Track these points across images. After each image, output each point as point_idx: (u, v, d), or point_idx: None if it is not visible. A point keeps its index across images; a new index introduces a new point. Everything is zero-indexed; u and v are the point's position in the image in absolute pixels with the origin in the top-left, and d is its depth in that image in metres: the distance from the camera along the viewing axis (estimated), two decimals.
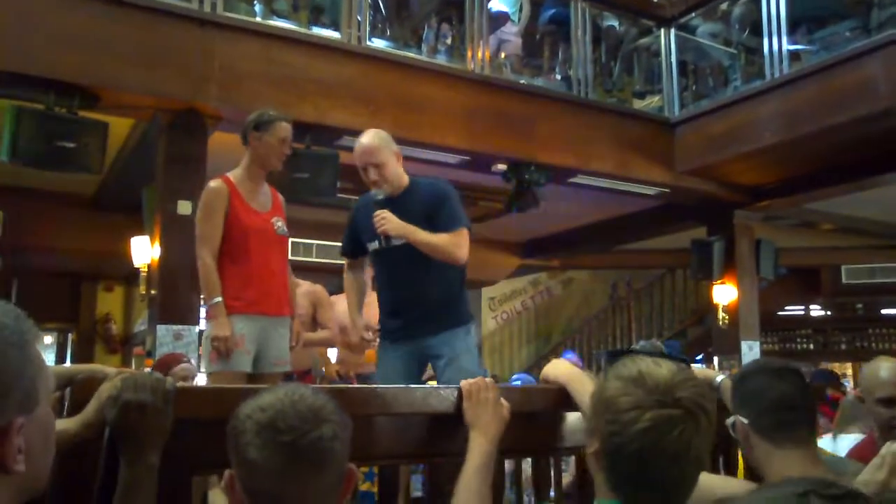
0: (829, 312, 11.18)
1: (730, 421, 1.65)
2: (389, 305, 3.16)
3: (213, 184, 3.22)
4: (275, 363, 3.26)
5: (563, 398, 1.82)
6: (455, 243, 2.99)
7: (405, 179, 3.11)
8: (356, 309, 3.30)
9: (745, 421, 1.60)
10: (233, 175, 3.26)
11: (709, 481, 1.59)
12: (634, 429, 1.13)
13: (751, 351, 7.26)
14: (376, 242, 3.05)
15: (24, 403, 0.84)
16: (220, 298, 3.10)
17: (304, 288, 4.41)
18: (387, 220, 2.94)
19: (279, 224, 3.30)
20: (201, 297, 6.07)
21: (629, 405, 1.15)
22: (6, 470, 0.81)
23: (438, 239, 2.98)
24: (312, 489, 1.11)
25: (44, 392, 0.88)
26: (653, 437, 1.12)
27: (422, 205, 3.03)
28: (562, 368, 1.89)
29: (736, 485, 1.64)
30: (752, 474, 2.09)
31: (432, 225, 2.99)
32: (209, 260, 3.13)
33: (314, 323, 4.48)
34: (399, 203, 3.01)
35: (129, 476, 1.29)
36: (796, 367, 1.69)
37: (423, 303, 3.06)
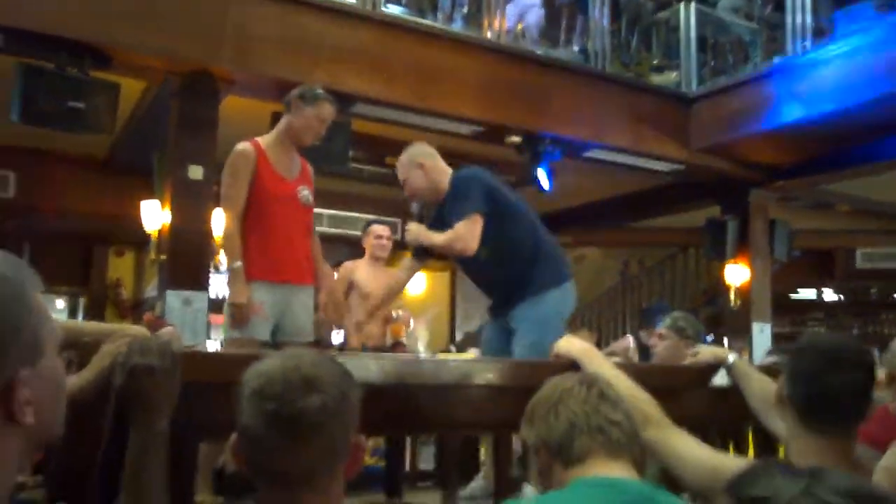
0: (841, 297, 11.07)
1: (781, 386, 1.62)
2: (481, 292, 3.35)
3: (241, 146, 3.14)
4: (295, 334, 3.21)
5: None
6: (455, 236, 3.02)
7: (445, 184, 3.17)
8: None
9: (786, 392, 1.58)
10: (263, 139, 3.20)
11: (723, 462, 1.57)
12: None
13: (761, 333, 7.21)
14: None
15: (27, 355, 0.82)
16: (239, 263, 3.04)
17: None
18: (407, 232, 3.15)
19: (305, 193, 3.25)
20: (215, 260, 6.11)
21: None
22: (16, 422, 0.80)
23: (441, 238, 3.06)
24: (300, 460, 1.08)
25: (49, 342, 0.86)
26: None
27: (448, 207, 3.13)
28: (575, 344, 1.86)
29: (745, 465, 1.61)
30: (763, 454, 2.07)
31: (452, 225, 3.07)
32: (232, 223, 3.07)
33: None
34: (443, 207, 3.16)
35: (139, 442, 1.27)
36: (861, 356, 1.59)
37: (493, 288, 3.25)
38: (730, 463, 1.57)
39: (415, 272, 3.43)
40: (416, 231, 3.12)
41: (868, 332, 10.45)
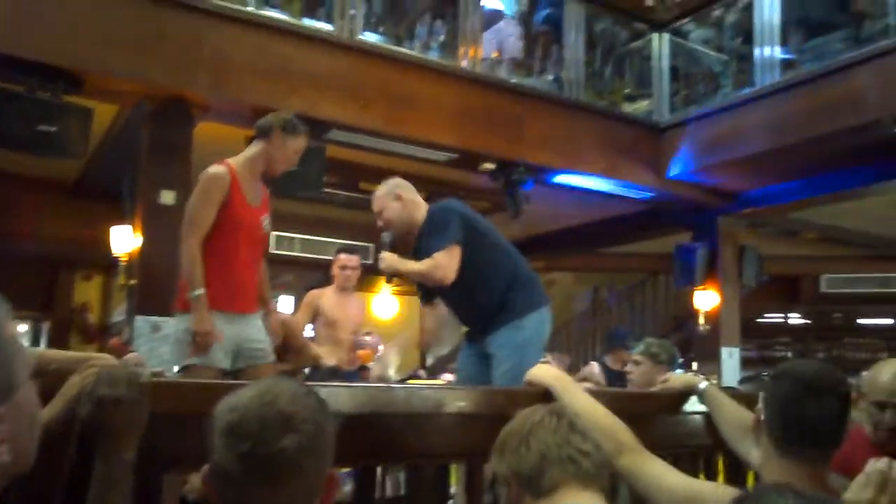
0: (808, 321, 11.25)
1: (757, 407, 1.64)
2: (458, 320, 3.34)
3: (216, 169, 3.05)
4: (258, 358, 3.16)
5: (546, 401, 1.79)
6: (433, 265, 3.02)
7: (421, 218, 3.18)
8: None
9: (763, 417, 1.59)
10: (235, 163, 3.11)
11: (699, 489, 1.58)
12: None
13: (730, 358, 7.29)
14: None
15: (2, 392, 0.80)
16: (202, 290, 2.96)
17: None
18: (381, 261, 3.11)
19: (266, 222, 3.21)
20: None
21: None
22: None
23: (419, 266, 3.07)
24: (275, 499, 1.06)
25: (22, 374, 0.83)
26: None
27: (423, 239, 3.14)
28: (547, 371, 1.87)
29: (722, 492, 1.62)
30: (733, 480, 2.09)
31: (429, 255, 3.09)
32: (196, 248, 2.98)
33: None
34: (418, 239, 3.17)
35: (104, 472, 1.25)
36: (838, 384, 1.61)
37: (471, 317, 3.24)
38: (706, 489, 1.58)
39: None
40: (390, 260, 3.10)
41: (832, 356, 10.61)
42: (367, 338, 4.60)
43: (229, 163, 3.10)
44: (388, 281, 3.21)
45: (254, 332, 3.18)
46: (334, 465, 1.14)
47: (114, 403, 1.26)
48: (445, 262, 3.00)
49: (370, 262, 8.66)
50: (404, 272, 3.11)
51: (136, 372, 1.32)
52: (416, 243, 3.20)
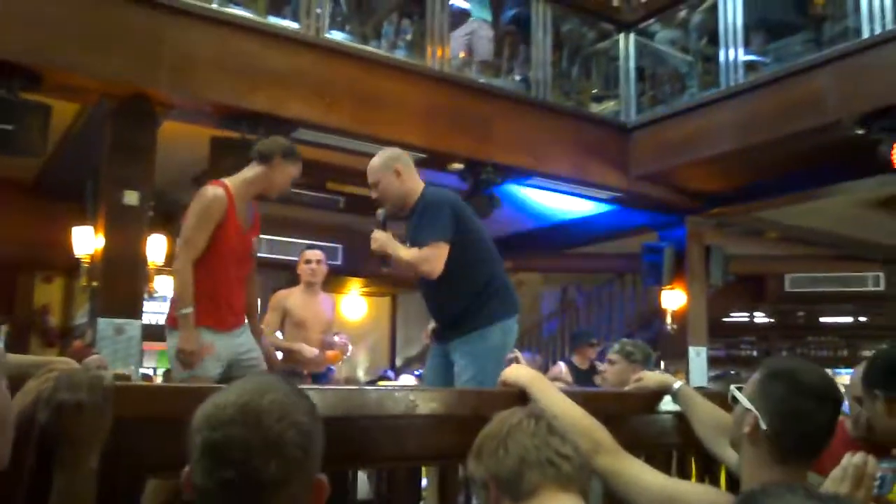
0: (772, 320, 11.41)
1: (746, 412, 1.55)
2: (429, 313, 3.28)
3: (214, 192, 3.07)
4: (251, 366, 3.19)
5: (521, 402, 1.77)
6: (422, 258, 2.99)
7: (415, 195, 3.12)
8: None
9: (764, 427, 1.51)
10: (232, 184, 3.13)
11: (679, 489, 1.56)
12: None
13: (698, 357, 7.36)
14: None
15: None
16: (190, 309, 2.99)
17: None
18: (373, 240, 3.07)
19: (256, 246, 3.28)
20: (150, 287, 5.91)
21: None
22: None
23: (408, 255, 3.03)
24: None
25: None
26: None
27: (415, 220, 3.10)
28: (522, 372, 1.85)
29: (703, 492, 1.60)
30: (704, 479, 2.08)
31: (418, 241, 3.05)
32: (189, 268, 3.01)
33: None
34: (410, 218, 3.12)
35: (65, 482, 1.18)
36: (836, 390, 1.57)
37: (442, 311, 3.19)
38: (686, 489, 1.56)
39: None
40: (383, 240, 3.05)
41: (796, 354, 10.78)
42: (336, 338, 4.53)
43: (226, 184, 3.11)
44: (382, 264, 3.12)
45: (245, 342, 3.23)
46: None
47: (74, 409, 1.20)
48: (433, 258, 2.98)
49: (338, 262, 8.62)
50: (393, 256, 3.04)
51: (97, 375, 1.26)
52: (407, 219, 3.15)
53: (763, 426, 1.51)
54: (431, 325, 3.32)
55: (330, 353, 4.46)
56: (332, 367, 4.69)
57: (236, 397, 1.04)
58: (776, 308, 11.23)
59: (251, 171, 3.18)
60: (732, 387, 1.64)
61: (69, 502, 1.17)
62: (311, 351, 4.28)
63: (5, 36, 4.20)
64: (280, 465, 1.00)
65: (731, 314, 11.36)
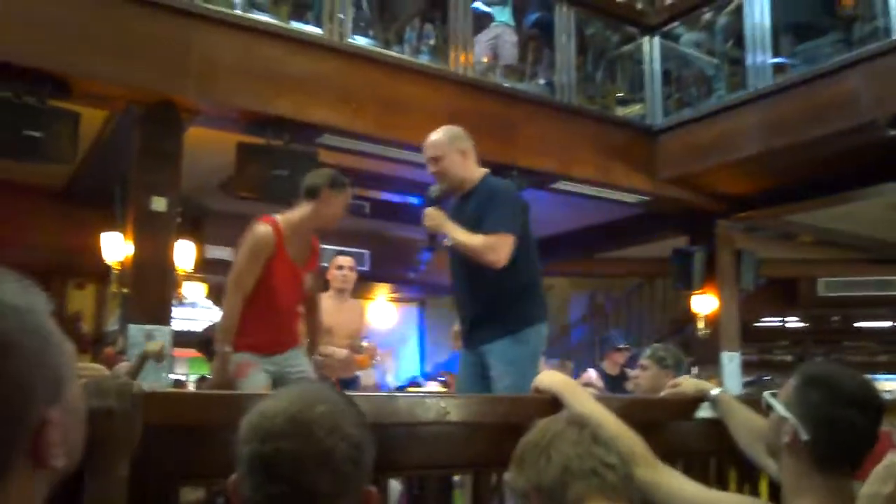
0: (806, 324, 11.23)
1: (787, 422, 1.48)
2: (457, 309, 3.19)
3: (263, 230, 3.13)
4: (295, 374, 3.25)
5: (554, 409, 1.73)
6: (490, 246, 2.89)
7: (476, 177, 3.07)
8: None
9: (804, 437, 1.44)
10: (284, 221, 3.18)
11: (718, 501, 1.51)
12: None
13: (731, 362, 7.24)
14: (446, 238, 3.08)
15: (53, 391, 0.75)
16: (229, 348, 3.08)
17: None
18: (427, 216, 2.98)
19: (309, 280, 3.32)
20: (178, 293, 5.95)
21: None
22: (43, 465, 0.73)
23: (473, 240, 2.91)
24: None
25: (69, 371, 0.78)
26: None
27: (476, 206, 3.00)
28: (556, 378, 1.80)
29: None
30: (743, 487, 2.02)
31: (480, 227, 2.93)
32: (237, 305, 3.09)
33: None
34: (464, 201, 3.03)
35: (96, 490, 1.17)
36: (878, 396, 1.50)
37: (477, 308, 3.05)
38: (725, 500, 1.51)
39: None
40: (438, 218, 2.96)
41: (832, 360, 10.60)
42: (364, 343, 4.52)
43: (276, 221, 3.16)
44: (429, 243, 3.08)
45: (294, 360, 3.29)
46: None
47: (104, 416, 1.19)
48: (501, 248, 2.89)
49: (365, 268, 8.62)
50: (451, 236, 2.94)
51: (126, 382, 1.25)
52: (460, 204, 3.04)
53: (803, 436, 1.45)
54: (457, 326, 3.27)
55: (359, 357, 4.44)
56: (359, 373, 4.68)
57: (285, 407, 1.01)
58: (809, 312, 11.05)
59: (302, 208, 3.20)
60: (766, 394, 1.57)
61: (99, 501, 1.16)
62: (341, 352, 4.27)
63: (34, 45, 4.24)
64: (331, 480, 0.98)
65: (763, 319, 11.20)
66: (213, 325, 4.23)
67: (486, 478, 1.70)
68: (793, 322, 11.36)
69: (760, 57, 6.03)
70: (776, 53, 6.07)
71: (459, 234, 2.93)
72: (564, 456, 1.28)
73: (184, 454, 1.28)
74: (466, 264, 2.99)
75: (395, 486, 2.71)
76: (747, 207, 7.16)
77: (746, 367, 7.63)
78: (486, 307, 3.02)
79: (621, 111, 7.23)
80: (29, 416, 0.72)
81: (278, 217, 3.18)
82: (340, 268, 4.56)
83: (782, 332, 11.40)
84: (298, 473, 0.97)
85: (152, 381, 4.42)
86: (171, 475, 1.29)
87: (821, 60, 5.76)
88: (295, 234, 3.18)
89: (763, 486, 1.98)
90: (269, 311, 3.16)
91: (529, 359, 2.98)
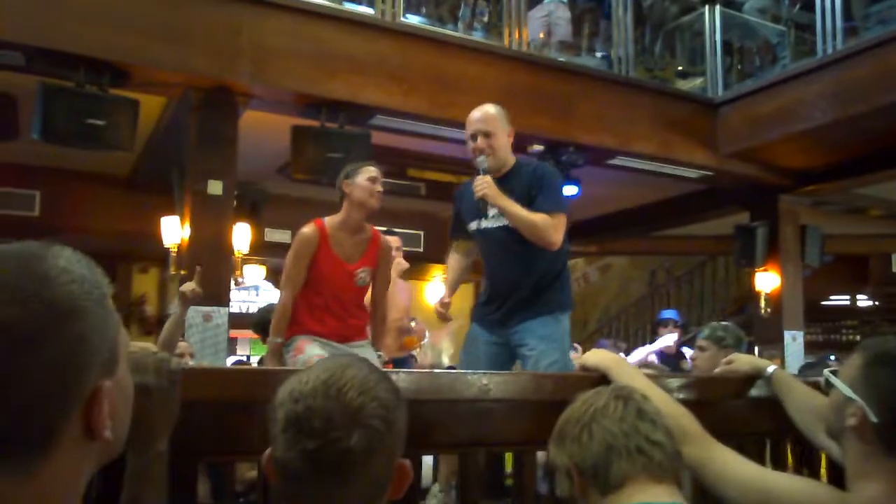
0: (876, 303, 10.80)
1: (852, 404, 1.38)
2: (487, 290, 3.20)
3: (307, 230, 3.30)
4: None
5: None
6: (552, 224, 2.93)
7: (511, 160, 3.11)
8: (449, 286, 3.43)
9: (874, 420, 1.34)
10: (329, 222, 3.32)
11: (775, 482, 1.44)
12: None
13: (794, 341, 7.02)
14: (476, 222, 3.12)
15: (109, 365, 0.76)
16: (280, 339, 3.25)
17: None
18: (483, 184, 2.96)
19: (362, 276, 3.37)
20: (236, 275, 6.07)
21: None
22: (95, 437, 0.74)
23: (535, 217, 2.94)
24: (339, 498, 1.00)
25: (123, 351, 0.81)
26: None
27: (523, 186, 3.01)
28: (604, 356, 1.75)
29: (803, 486, 1.47)
30: (802, 467, 1.94)
31: (532, 206, 2.96)
32: (287, 301, 3.27)
33: None
34: (503, 182, 3.02)
35: (137, 465, 1.18)
36: None
37: (516, 289, 3.07)
38: (782, 482, 1.43)
39: (468, 252, 3.40)
40: (494, 188, 2.94)
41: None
42: (413, 324, 4.52)
43: (322, 222, 3.31)
44: (482, 208, 3.07)
45: (357, 350, 3.32)
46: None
47: (142, 392, 1.19)
48: (561, 228, 2.96)
49: (420, 249, 8.63)
50: (507, 208, 2.95)
51: (164, 358, 1.26)
52: (513, 188, 3.01)
53: (872, 418, 1.34)
54: (445, 298, 3.29)
55: (407, 338, 4.45)
56: (413, 352, 4.68)
57: (318, 374, 1.04)
58: (881, 290, 10.63)
59: (343, 207, 3.32)
60: (826, 372, 1.48)
61: (143, 486, 1.17)
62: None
63: (95, 35, 4.34)
64: (362, 436, 0.98)
65: (832, 297, 10.82)
66: (268, 307, 4.29)
67: (530, 456, 1.67)
68: (863, 300, 10.94)
69: (830, 20, 5.77)
70: (847, 16, 5.80)
71: (517, 209, 2.93)
72: (608, 432, 1.23)
73: (223, 430, 1.29)
74: (505, 245, 3.03)
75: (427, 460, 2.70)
76: (812, 181, 6.90)
77: (812, 347, 7.40)
78: (532, 288, 3.03)
79: (682, 85, 7.03)
80: (86, 382, 0.73)
81: (326, 219, 3.34)
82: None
83: (851, 310, 10.99)
84: (330, 429, 0.98)
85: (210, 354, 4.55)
86: (209, 451, 1.30)
87: (894, 22, 5.48)
88: (341, 232, 3.31)
89: (823, 469, 1.90)
90: (320, 304, 3.31)
91: (567, 339, 3.04)
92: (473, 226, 3.15)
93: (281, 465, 1.01)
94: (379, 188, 3.29)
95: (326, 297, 3.31)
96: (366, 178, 3.26)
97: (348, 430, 0.98)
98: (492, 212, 3.06)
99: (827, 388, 1.49)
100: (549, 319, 2.99)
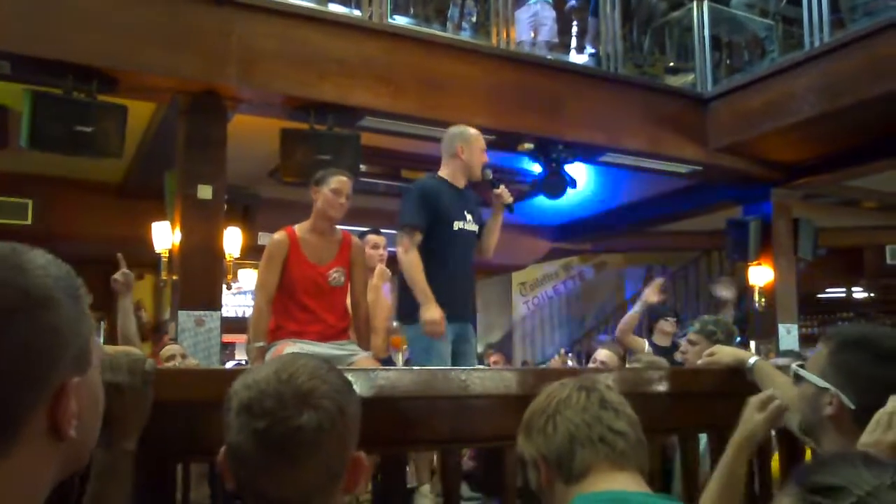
0: (872, 294, 10.80)
1: (826, 393, 1.38)
2: (448, 287, 3.35)
3: (277, 236, 3.44)
4: (344, 360, 3.36)
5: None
6: None
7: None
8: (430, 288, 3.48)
9: (851, 406, 1.34)
10: (299, 227, 3.47)
11: None
12: None
13: (788, 334, 7.03)
14: (459, 223, 3.42)
15: (79, 362, 0.76)
16: (261, 343, 3.31)
17: None
18: (508, 193, 3.48)
19: (335, 276, 3.45)
20: (228, 279, 6.07)
21: None
22: (60, 436, 0.73)
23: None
24: (290, 482, 1.00)
25: (95, 353, 0.80)
26: None
27: (475, 198, 3.61)
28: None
29: None
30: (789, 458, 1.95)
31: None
32: (263, 305, 3.37)
33: None
34: (467, 192, 3.54)
35: (104, 461, 1.19)
36: None
37: (469, 288, 3.54)
38: None
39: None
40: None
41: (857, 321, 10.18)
42: (396, 324, 4.53)
43: (293, 228, 3.47)
44: (508, 210, 3.50)
45: (340, 347, 3.42)
46: (361, 449, 1.07)
47: (114, 390, 1.20)
48: None
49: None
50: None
51: (138, 358, 1.26)
52: (462, 193, 3.51)
53: (849, 404, 1.34)
54: (437, 312, 3.31)
55: (394, 338, 4.45)
56: (399, 352, 4.68)
57: (271, 366, 1.06)
58: (877, 282, 10.63)
59: (313, 210, 3.47)
60: (794, 366, 1.48)
61: (109, 481, 1.18)
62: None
63: (81, 40, 4.34)
64: (312, 416, 0.99)
65: (827, 290, 10.83)
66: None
67: (510, 452, 1.67)
68: (859, 293, 10.95)
69: (817, 12, 5.77)
70: (834, 8, 5.81)
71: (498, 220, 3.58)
72: (570, 423, 1.24)
73: (191, 429, 1.29)
74: (470, 250, 3.47)
75: None
76: (804, 174, 6.91)
77: (808, 339, 7.39)
78: (472, 291, 3.61)
79: (671, 81, 7.03)
80: (54, 376, 0.72)
81: (297, 225, 3.48)
82: (376, 247, 4.57)
83: (847, 303, 11.00)
84: (279, 408, 0.99)
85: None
86: (178, 451, 1.30)
87: (881, 14, 5.48)
88: (310, 235, 3.43)
89: (808, 457, 1.91)
90: (296, 306, 3.40)
91: None
92: (456, 226, 3.41)
93: (233, 452, 1.01)
94: (342, 200, 3.41)
95: (302, 300, 3.40)
96: (329, 189, 3.39)
97: (298, 409, 0.99)
98: (469, 216, 3.44)
99: (797, 382, 1.49)
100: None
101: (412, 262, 3.33)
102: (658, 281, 5.17)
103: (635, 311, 5.04)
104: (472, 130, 3.57)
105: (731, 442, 1.58)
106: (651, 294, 4.98)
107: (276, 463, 0.99)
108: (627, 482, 1.22)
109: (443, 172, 3.54)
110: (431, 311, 3.22)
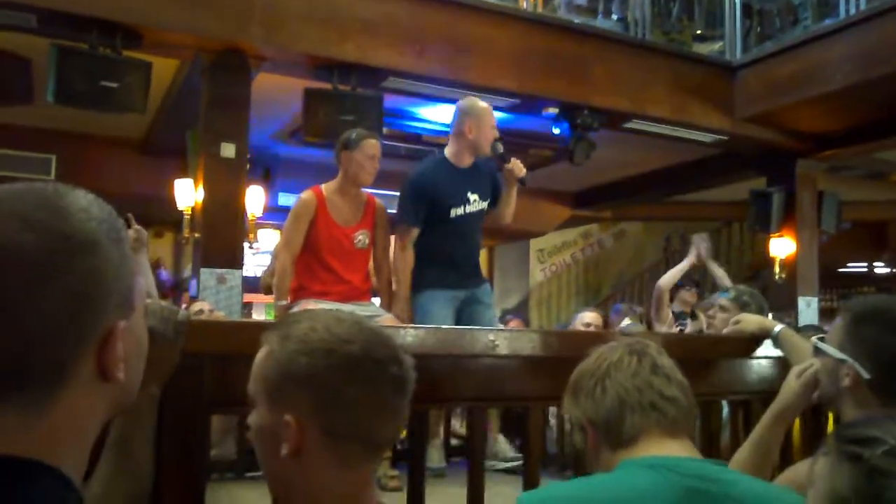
0: (894, 270, 10.69)
1: (843, 365, 1.40)
2: (449, 259, 3.46)
3: (305, 195, 3.45)
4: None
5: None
6: None
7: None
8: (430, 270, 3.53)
9: (866, 376, 1.36)
10: (326, 187, 3.47)
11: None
12: None
13: (808, 307, 6.98)
14: (461, 208, 3.43)
15: (124, 306, 0.76)
16: (285, 301, 3.33)
17: None
18: (521, 166, 3.49)
19: (360, 238, 3.47)
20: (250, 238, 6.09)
21: None
22: (108, 379, 0.74)
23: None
24: (402, 422, 1.05)
25: (139, 296, 0.80)
26: None
27: (487, 174, 3.62)
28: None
29: None
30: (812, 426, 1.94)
31: (495, 193, 3.63)
32: (286, 263, 3.38)
33: None
34: (475, 168, 3.54)
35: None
36: None
37: (473, 258, 3.62)
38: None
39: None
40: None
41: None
42: None
43: (320, 188, 3.47)
44: (521, 183, 3.50)
45: (363, 309, 3.38)
46: None
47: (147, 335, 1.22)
48: None
49: None
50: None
51: (173, 308, 1.28)
52: (472, 168, 3.50)
53: (865, 374, 1.35)
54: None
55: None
56: None
57: (326, 320, 1.08)
58: None
59: (340, 172, 3.46)
60: (814, 339, 1.48)
61: (131, 424, 1.20)
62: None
63: None
64: (413, 362, 1.06)
65: (850, 264, 10.73)
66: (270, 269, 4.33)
67: (538, 412, 1.68)
68: (881, 268, 10.83)
69: None
70: None
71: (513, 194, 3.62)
72: (621, 387, 1.22)
73: (219, 382, 1.30)
74: (475, 227, 3.53)
75: None
76: (832, 145, 6.79)
77: (829, 313, 7.34)
78: (478, 261, 3.69)
79: (700, 49, 6.91)
80: (100, 321, 0.73)
81: (324, 185, 3.47)
82: None
83: (869, 277, 10.89)
84: (397, 354, 1.05)
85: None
86: (209, 403, 1.32)
87: None
88: (337, 196, 3.43)
89: (830, 427, 1.91)
90: (321, 267, 3.41)
91: None
92: (454, 213, 3.41)
93: (353, 408, 0.99)
94: (376, 165, 3.40)
95: (327, 260, 3.40)
96: (364, 155, 3.37)
97: (402, 351, 1.06)
98: (473, 197, 3.45)
99: (817, 355, 1.49)
100: (488, 286, 3.67)
101: (404, 261, 3.45)
102: (703, 238, 5.10)
103: (683, 266, 5.01)
104: (482, 104, 3.49)
105: (769, 410, 1.58)
106: (702, 253, 4.97)
107: (403, 404, 1.04)
108: (678, 449, 1.20)
109: (447, 151, 3.51)
110: (398, 310, 3.39)
